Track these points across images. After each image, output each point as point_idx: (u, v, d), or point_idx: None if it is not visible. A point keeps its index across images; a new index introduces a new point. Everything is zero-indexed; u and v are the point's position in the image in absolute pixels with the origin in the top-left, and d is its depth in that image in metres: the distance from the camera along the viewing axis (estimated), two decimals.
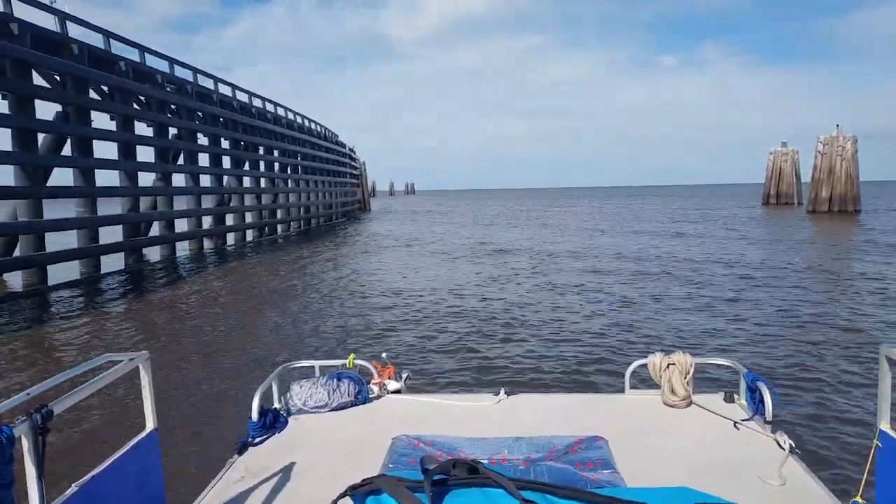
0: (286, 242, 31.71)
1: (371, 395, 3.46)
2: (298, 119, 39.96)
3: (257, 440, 2.92)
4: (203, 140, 27.28)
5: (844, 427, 6.22)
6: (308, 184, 41.15)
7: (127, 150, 21.20)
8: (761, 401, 2.87)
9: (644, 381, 3.46)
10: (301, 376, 3.49)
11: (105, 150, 20.85)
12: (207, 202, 27.41)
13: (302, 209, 40.16)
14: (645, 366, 3.36)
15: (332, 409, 3.28)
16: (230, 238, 29.62)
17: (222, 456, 2.80)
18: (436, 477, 1.51)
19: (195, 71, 26.87)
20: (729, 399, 3.24)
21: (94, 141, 19.56)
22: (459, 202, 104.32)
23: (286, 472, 2.55)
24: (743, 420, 2.93)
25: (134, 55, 22.69)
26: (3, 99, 18.57)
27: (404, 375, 3.70)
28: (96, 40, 20.54)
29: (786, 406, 6.43)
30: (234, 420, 5.97)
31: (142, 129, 23.44)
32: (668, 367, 3.25)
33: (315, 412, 3.25)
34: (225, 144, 29.20)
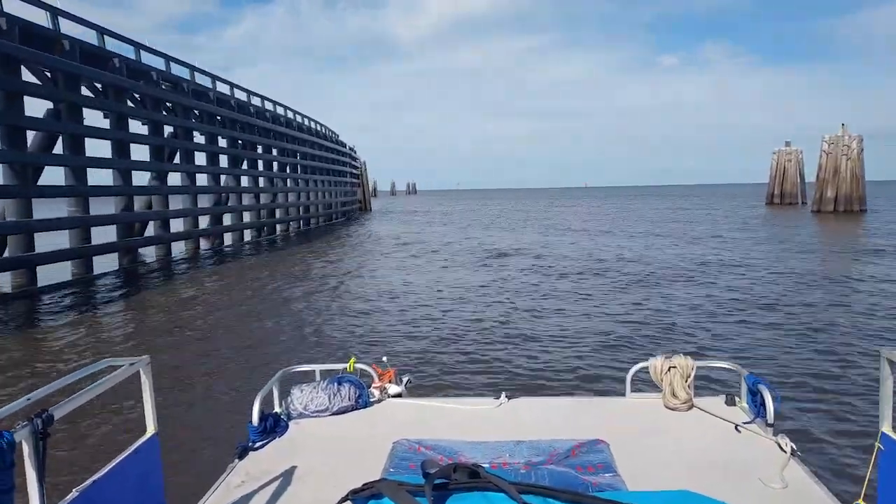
0: (285, 243, 31.48)
1: (372, 399, 3.46)
2: (297, 118, 39.67)
3: (258, 444, 2.92)
4: (200, 139, 26.98)
5: (846, 430, 6.20)
6: (307, 183, 40.88)
7: (121, 148, 20.89)
8: (763, 403, 2.87)
9: (645, 384, 3.45)
10: (301, 380, 3.49)
11: (98, 148, 20.57)
12: (204, 202, 27.10)
13: (301, 209, 39.84)
14: (646, 369, 3.36)
15: (333, 414, 3.28)
16: (227, 238, 29.36)
17: (223, 460, 2.79)
18: (437, 481, 1.52)
19: (192, 69, 26.55)
20: (730, 402, 3.24)
21: (86, 139, 19.23)
22: (460, 202, 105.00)
23: (287, 477, 2.56)
24: (744, 423, 2.93)
25: (129, 52, 22.39)
26: None
27: (405, 379, 3.71)
28: (90, 37, 20.26)
29: (787, 409, 6.42)
30: (235, 424, 5.90)
31: (136, 127, 23.16)
32: (669, 370, 3.25)
33: (316, 416, 3.25)
34: (222, 143, 28.92)
